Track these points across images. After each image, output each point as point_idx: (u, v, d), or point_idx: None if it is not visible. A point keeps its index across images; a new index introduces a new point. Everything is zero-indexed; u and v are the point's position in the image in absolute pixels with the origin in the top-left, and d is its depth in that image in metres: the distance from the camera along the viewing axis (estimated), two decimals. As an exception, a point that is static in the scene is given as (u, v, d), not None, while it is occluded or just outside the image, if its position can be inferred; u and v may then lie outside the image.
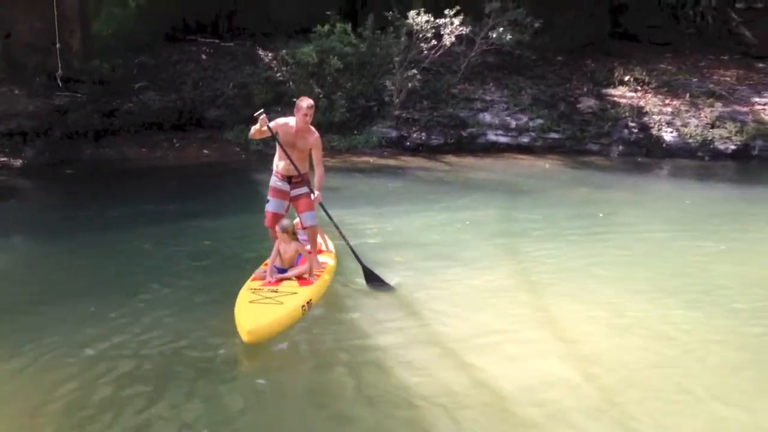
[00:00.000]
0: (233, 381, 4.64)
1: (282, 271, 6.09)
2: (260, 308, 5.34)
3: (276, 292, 5.68)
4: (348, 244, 6.45)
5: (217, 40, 17.12)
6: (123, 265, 7.02)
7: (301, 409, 4.34)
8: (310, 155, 6.31)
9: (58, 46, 13.51)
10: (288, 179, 6.34)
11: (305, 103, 6.09)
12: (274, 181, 6.38)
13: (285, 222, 6.10)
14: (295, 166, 6.18)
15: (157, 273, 6.68)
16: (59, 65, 13.58)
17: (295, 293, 5.69)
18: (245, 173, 12.72)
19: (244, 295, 5.61)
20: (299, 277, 6.02)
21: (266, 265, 6.18)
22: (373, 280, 6.36)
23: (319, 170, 6.27)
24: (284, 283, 5.90)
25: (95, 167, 12.91)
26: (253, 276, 6.11)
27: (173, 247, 7.64)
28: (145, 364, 4.71)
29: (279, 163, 6.32)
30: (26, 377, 4.52)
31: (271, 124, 6.12)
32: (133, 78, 14.90)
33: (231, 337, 5.08)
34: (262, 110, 6.21)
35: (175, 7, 16.89)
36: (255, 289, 5.74)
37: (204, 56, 16.29)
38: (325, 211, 6.38)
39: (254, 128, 6.16)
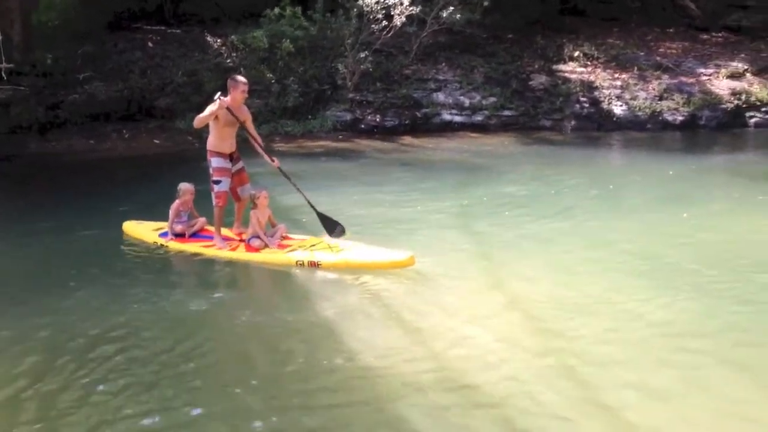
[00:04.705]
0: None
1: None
2: (362, 248, 6.26)
3: (314, 246, 6.43)
4: (303, 195, 6.80)
5: (163, 27, 16.75)
6: (70, 260, 6.83)
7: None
8: None
9: (-2, 38, 13.07)
10: (230, 156, 6.70)
11: (242, 78, 6.59)
12: (221, 162, 6.67)
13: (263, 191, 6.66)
14: (254, 138, 6.69)
15: (109, 265, 6.55)
16: (2, 58, 13.12)
17: (314, 243, 6.53)
18: (198, 161, 12.45)
19: (325, 255, 6.20)
20: (286, 237, 6.72)
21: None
22: (330, 227, 6.71)
23: (258, 139, 6.80)
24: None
25: (41, 161, 12.55)
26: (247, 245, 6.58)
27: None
28: (102, 360, 4.61)
29: (222, 144, 6.62)
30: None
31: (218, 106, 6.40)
32: (78, 68, 14.53)
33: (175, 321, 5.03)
34: (220, 93, 6.45)
35: (116, -6, 16.48)
36: (304, 246, 6.42)
37: (151, 44, 15.93)
38: (283, 172, 6.73)
39: (210, 110, 6.34)
